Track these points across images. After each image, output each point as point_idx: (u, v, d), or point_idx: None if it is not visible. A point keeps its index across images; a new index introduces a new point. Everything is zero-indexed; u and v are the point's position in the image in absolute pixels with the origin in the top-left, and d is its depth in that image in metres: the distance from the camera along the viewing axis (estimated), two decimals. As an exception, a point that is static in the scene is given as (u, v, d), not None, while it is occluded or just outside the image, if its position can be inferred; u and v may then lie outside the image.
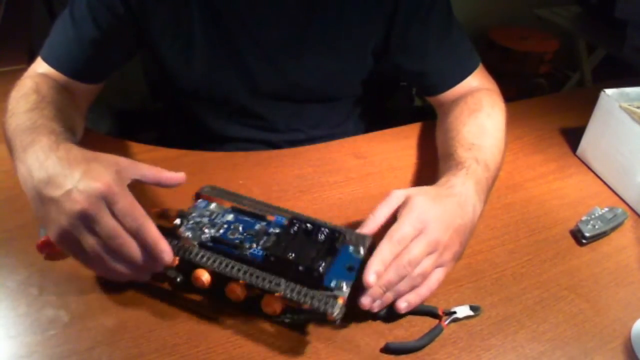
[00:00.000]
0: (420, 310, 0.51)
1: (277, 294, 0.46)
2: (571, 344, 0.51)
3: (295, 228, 0.50)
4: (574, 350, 0.50)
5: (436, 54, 0.75)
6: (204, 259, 0.48)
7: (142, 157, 0.71)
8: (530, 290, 0.56)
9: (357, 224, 0.62)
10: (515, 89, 2.11)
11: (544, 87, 2.32)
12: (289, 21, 0.73)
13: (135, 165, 0.49)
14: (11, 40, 1.00)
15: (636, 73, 1.75)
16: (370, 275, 0.46)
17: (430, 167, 0.73)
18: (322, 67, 0.77)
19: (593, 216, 0.64)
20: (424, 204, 0.52)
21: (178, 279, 0.50)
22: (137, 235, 0.45)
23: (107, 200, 0.45)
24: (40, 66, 0.69)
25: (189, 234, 0.51)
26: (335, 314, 0.43)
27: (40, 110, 0.56)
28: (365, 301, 0.48)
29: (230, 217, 0.53)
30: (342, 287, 0.46)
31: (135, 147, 0.73)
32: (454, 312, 0.52)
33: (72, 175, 0.45)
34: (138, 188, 0.64)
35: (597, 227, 0.63)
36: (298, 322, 0.47)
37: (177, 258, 0.49)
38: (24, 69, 0.69)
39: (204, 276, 0.49)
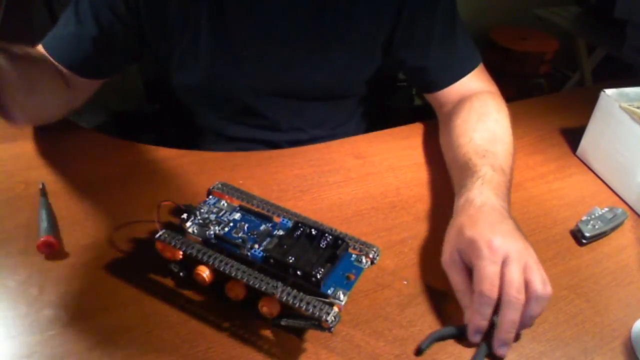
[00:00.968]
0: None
1: (274, 297, 0.46)
2: (571, 344, 0.51)
3: (299, 232, 0.50)
4: (573, 350, 0.50)
5: (438, 49, 0.76)
6: (205, 255, 0.48)
7: (142, 157, 0.71)
8: (530, 290, 0.56)
9: (357, 224, 0.63)
10: (515, 89, 2.11)
11: (543, 87, 2.32)
12: (299, 14, 0.72)
13: None
14: (11, 40, 1.00)
15: (636, 73, 1.75)
16: (501, 348, 0.47)
17: (430, 167, 0.73)
18: (330, 61, 0.77)
19: (593, 216, 0.64)
20: (477, 233, 0.50)
21: (181, 274, 0.51)
22: None
23: None
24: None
25: (194, 229, 0.51)
26: (330, 321, 0.43)
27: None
28: (503, 351, 0.48)
29: (237, 215, 0.53)
30: (339, 295, 0.46)
31: (135, 147, 0.73)
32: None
33: None
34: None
35: (597, 227, 0.63)
36: (294, 326, 0.47)
37: (181, 253, 0.49)
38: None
39: (205, 272, 0.49)
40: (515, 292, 0.47)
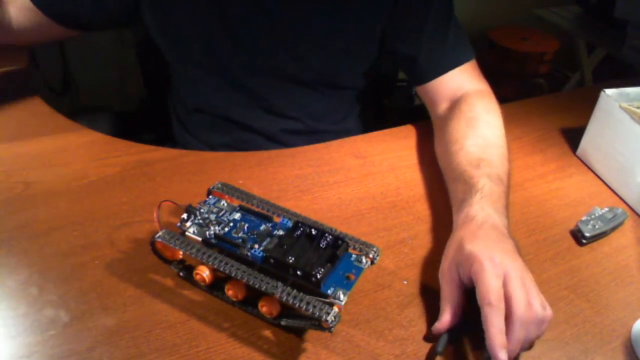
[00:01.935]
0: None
1: (274, 297, 0.46)
2: (571, 344, 0.51)
3: (299, 232, 0.50)
4: (574, 350, 0.50)
5: (430, 40, 0.76)
6: (205, 255, 0.48)
7: (142, 157, 0.71)
8: (530, 290, 0.56)
9: (357, 224, 0.63)
10: (515, 89, 2.11)
11: (543, 87, 2.32)
12: None
13: None
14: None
15: (636, 73, 1.75)
16: (501, 353, 0.43)
17: (430, 167, 0.73)
18: (327, 47, 0.77)
19: (593, 216, 0.64)
20: (477, 248, 0.50)
21: (181, 274, 0.51)
22: None
23: None
24: None
25: (194, 229, 0.51)
26: (330, 321, 0.43)
27: None
28: None
29: (237, 215, 0.53)
30: (340, 295, 0.46)
31: (135, 147, 0.73)
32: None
33: None
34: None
35: (597, 227, 0.63)
36: (294, 326, 0.47)
37: (181, 252, 0.50)
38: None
39: (205, 272, 0.49)
40: (524, 309, 0.46)
